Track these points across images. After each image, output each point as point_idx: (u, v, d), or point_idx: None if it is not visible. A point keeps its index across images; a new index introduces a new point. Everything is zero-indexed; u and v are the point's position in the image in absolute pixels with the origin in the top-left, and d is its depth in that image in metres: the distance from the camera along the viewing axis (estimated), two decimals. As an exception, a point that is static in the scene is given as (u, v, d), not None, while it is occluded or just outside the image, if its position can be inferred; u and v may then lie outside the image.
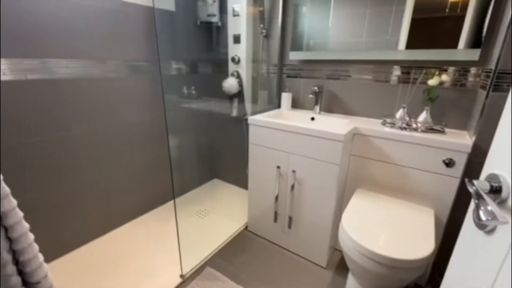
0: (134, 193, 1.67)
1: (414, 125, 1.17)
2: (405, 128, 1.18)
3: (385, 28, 1.22)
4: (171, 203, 1.91)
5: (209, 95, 2.00)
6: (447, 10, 1.07)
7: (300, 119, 1.48)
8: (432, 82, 1.14)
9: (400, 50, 1.19)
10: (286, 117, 1.52)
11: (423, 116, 1.16)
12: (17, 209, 0.40)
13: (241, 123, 1.89)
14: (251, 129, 1.39)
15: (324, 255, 1.32)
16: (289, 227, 1.39)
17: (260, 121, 1.34)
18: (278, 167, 1.33)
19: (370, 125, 1.24)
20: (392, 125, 1.22)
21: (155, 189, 1.80)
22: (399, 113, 1.21)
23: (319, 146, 1.18)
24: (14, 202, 0.39)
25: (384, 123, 1.26)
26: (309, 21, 1.43)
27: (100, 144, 1.43)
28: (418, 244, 0.91)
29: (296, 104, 1.62)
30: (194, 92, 1.97)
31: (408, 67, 1.23)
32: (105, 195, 1.51)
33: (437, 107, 1.19)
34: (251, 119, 1.37)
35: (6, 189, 0.38)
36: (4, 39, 1.04)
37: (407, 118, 1.20)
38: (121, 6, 1.37)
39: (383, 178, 1.24)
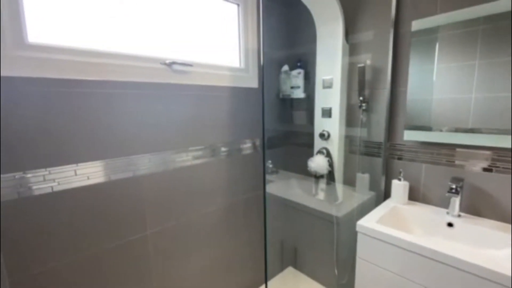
0: (204, 295, 1.40)
1: None
2: None
3: None
4: (242, 302, 1.58)
5: (288, 169, 1.75)
6: None
7: (429, 224, 1.07)
8: None
9: None
10: (406, 218, 1.12)
11: None
12: None
13: (329, 208, 1.54)
14: (360, 239, 1.03)
15: None
16: None
17: (376, 232, 0.97)
18: (411, 307, 0.90)
19: None
20: None
21: (228, 286, 1.51)
22: None
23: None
24: None
25: None
26: (430, 94, 1.09)
27: (171, 240, 1.24)
28: None
29: (415, 195, 1.21)
30: (271, 165, 1.74)
31: None
32: (174, 302, 1.27)
33: None
34: (361, 226, 1.01)
35: None
36: (91, 143, 0.97)
37: None
38: (204, 91, 1.27)
39: None
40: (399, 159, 1.24)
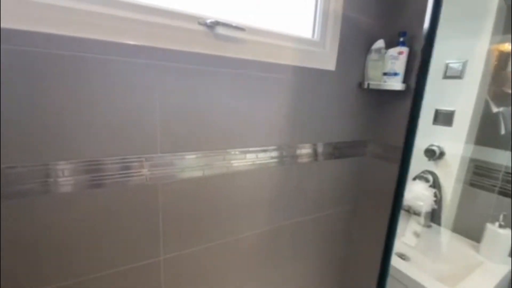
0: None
1: None
2: None
3: None
4: None
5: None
6: None
7: None
8: None
9: None
10: None
11: None
12: None
13: (422, 275, 1.03)
14: None
15: None
16: None
17: None
18: None
19: None
20: None
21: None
22: None
23: None
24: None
25: None
26: None
27: (191, 271, 0.93)
28: None
29: None
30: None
31: None
32: None
33: None
34: None
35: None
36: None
37: None
38: (257, 70, 0.87)
39: None
40: None
